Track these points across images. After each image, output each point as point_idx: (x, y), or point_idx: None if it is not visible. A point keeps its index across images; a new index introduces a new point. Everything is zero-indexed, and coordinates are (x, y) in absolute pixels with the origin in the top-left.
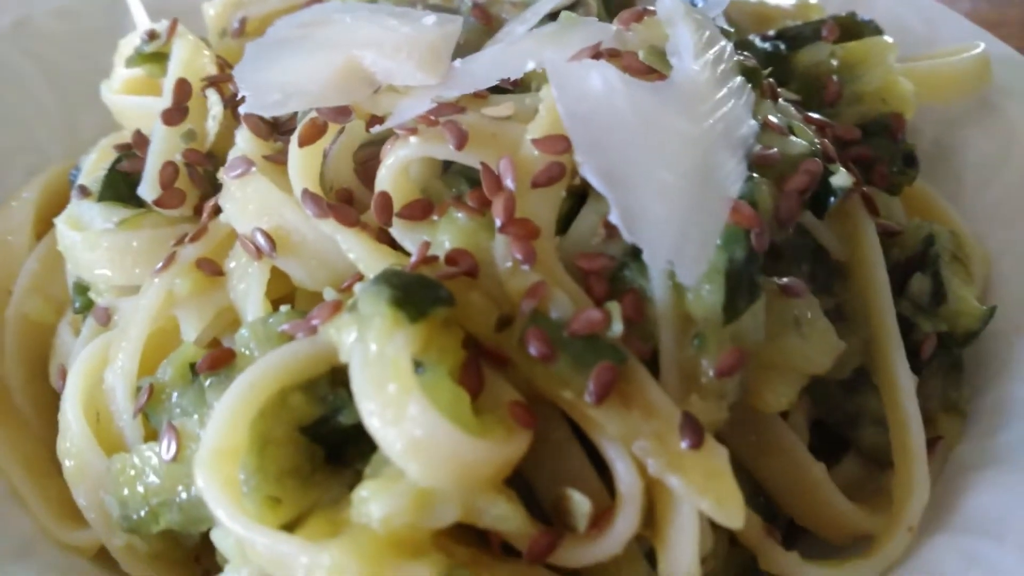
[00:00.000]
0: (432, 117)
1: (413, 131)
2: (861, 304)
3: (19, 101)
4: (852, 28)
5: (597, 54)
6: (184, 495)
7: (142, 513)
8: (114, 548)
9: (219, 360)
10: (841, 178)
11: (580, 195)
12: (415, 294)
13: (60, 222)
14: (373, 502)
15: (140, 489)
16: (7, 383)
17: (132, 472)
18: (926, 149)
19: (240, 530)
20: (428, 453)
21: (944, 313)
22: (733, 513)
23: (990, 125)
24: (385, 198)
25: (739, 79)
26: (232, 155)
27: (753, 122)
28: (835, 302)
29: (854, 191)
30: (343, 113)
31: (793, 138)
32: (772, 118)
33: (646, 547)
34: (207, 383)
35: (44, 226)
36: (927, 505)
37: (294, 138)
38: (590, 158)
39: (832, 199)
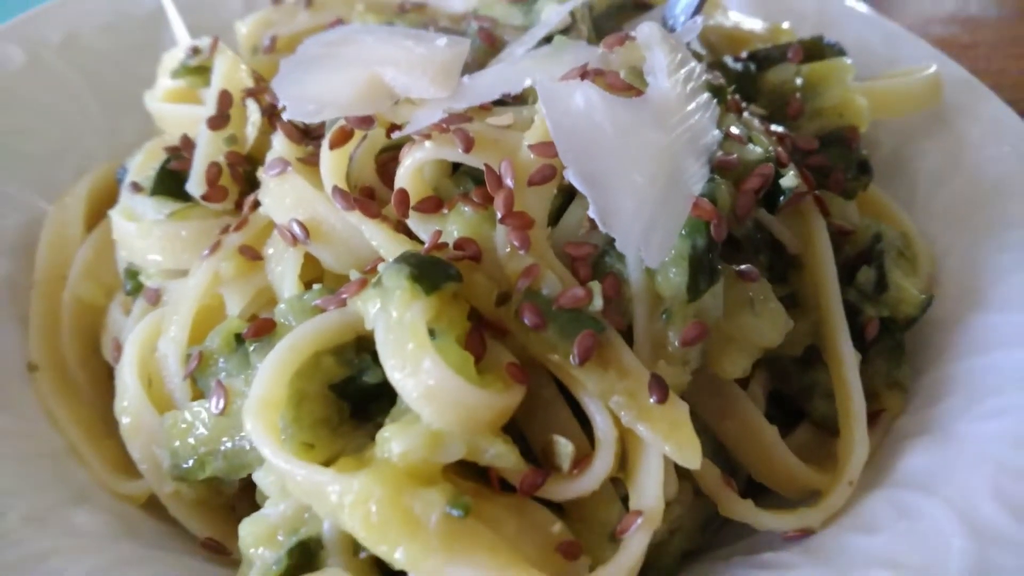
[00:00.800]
0: (444, 125)
1: (428, 137)
2: (812, 291)
3: (68, 108)
4: (816, 50)
5: (584, 73)
6: (228, 444)
7: (190, 462)
8: (163, 495)
9: (263, 328)
10: (789, 179)
11: (569, 193)
12: (429, 271)
13: (115, 214)
14: (394, 441)
15: (190, 440)
16: (64, 357)
17: (183, 426)
18: (884, 158)
19: (282, 465)
20: (439, 399)
21: (886, 300)
22: (691, 456)
23: (942, 139)
24: (403, 194)
25: (706, 95)
26: (270, 157)
27: (717, 132)
28: (790, 290)
29: (807, 193)
30: (367, 122)
31: (751, 146)
32: (734, 129)
33: (621, 493)
34: (251, 348)
35: (94, 219)
36: (868, 464)
37: (325, 142)
38: (573, 164)
39: (782, 197)
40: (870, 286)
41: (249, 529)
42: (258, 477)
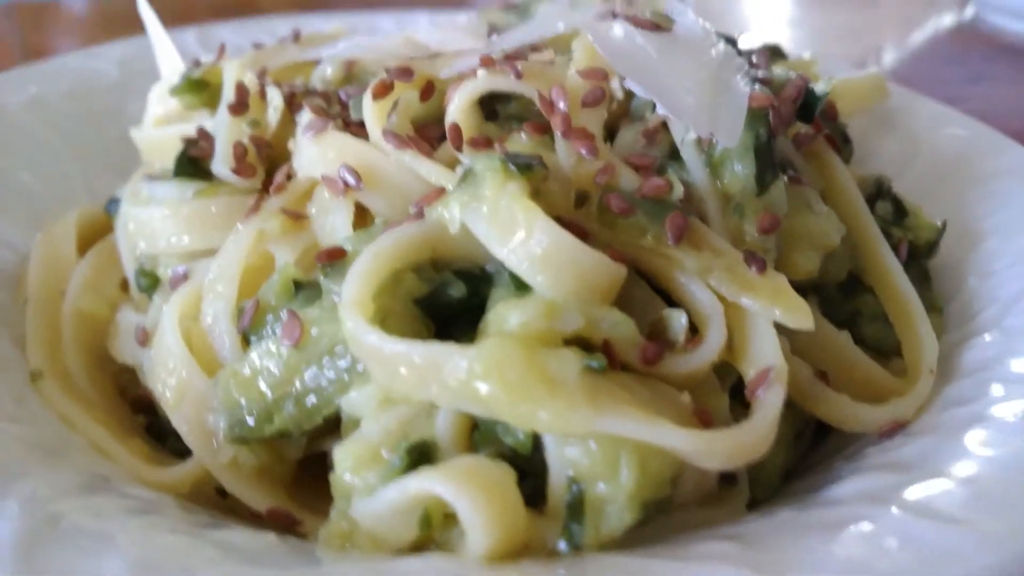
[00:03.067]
0: (491, 58)
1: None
2: (842, 219)
3: (43, 158)
4: (778, 53)
5: (614, 14)
6: (301, 384)
7: (254, 417)
8: (217, 468)
9: (334, 253)
10: (822, 86)
11: (611, 130)
12: (515, 158)
13: (127, 206)
14: (511, 313)
15: (259, 386)
16: (67, 366)
17: (248, 373)
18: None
19: (396, 347)
20: (554, 263)
21: (908, 224)
22: (801, 317)
23: (896, 134)
24: (457, 128)
25: (722, 39)
26: (303, 121)
27: (743, 60)
28: None
29: (819, 134)
30: (406, 73)
31: (776, 70)
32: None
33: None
34: (323, 276)
35: (82, 250)
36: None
37: (367, 95)
38: (630, 75)
39: (818, 104)
40: (890, 215)
41: (346, 452)
42: (349, 402)
